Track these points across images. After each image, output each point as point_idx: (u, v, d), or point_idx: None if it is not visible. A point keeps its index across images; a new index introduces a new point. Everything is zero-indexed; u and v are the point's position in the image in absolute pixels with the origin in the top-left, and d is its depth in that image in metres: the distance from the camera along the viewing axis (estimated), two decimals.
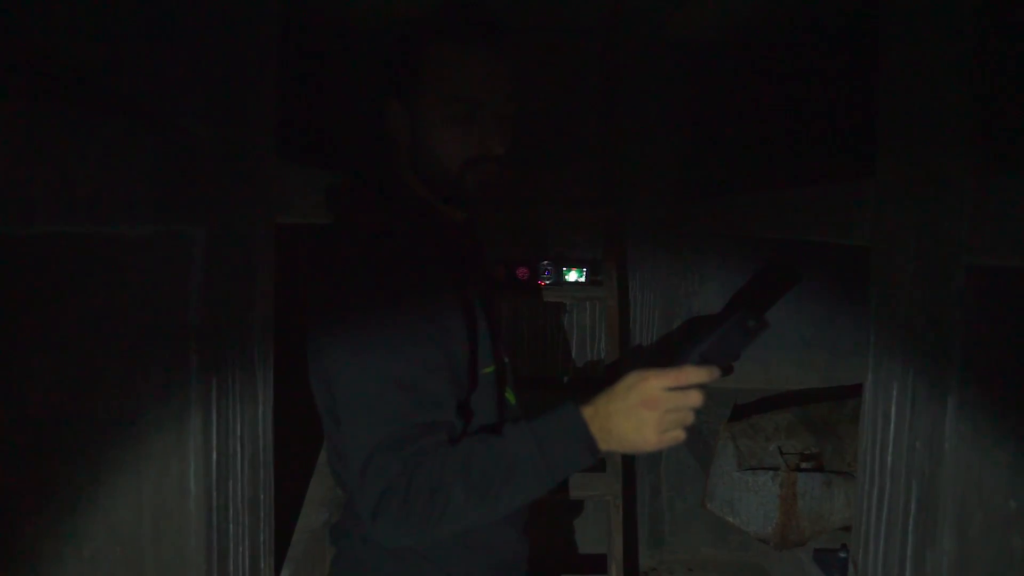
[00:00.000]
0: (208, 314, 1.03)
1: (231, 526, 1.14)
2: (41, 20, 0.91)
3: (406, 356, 0.98)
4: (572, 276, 2.64)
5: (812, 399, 2.16)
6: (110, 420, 1.00)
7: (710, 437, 1.91)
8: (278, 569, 1.45)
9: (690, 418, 0.97)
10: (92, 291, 0.97)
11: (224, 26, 1.07)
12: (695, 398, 0.96)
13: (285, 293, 1.32)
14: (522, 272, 2.59)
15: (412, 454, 0.95)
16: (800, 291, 2.63)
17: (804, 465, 1.68)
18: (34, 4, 0.89)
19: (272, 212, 1.26)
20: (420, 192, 1.16)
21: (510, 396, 1.22)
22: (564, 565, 2.82)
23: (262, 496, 1.27)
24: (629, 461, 2.82)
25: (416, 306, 1.00)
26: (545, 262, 2.60)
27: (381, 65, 1.14)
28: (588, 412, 0.98)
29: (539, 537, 2.87)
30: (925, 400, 0.98)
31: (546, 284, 2.59)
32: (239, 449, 1.16)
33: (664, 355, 2.72)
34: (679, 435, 0.97)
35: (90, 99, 0.94)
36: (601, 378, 2.70)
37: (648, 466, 2.86)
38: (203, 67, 1.01)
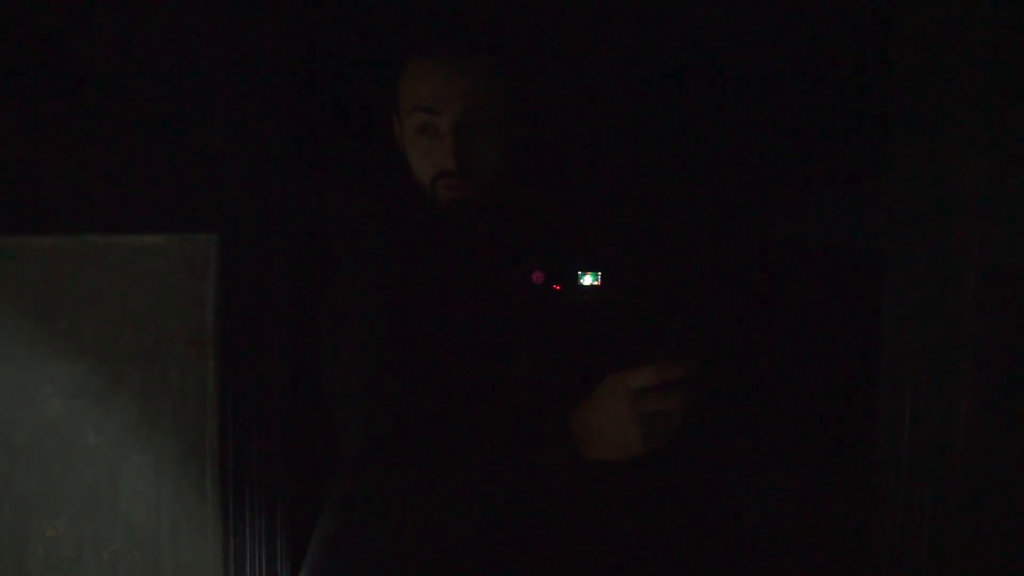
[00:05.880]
0: (224, 319, 1.05)
1: (248, 529, 1.16)
2: (59, 33, 0.93)
3: (398, 359, 0.99)
4: (587, 280, 2.64)
5: None
6: (128, 424, 1.02)
7: None
8: (295, 572, 1.47)
9: (677, 419, 0.94)
10: (109, 297, 0.99)
11: (240, 37, 1.08)
12: (674, 398, 0.93)
13: (302, 297, 1.33)
14: (537, 276, 2.60)
15: (400, 456, 0.97)
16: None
17: None
18: (53, 17, 0.91)
19: (287, 219, 1.27)
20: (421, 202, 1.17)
21: (512, 399, 1.22)
22: None
23: (279, 500, 1.28)
24: None
25: (413, 308, 1.01)
26: (560, 266, 2.60)
27: (381, 78, 1.16)
28: (570, 419, 0.98)
29: None
30: (939, 402, 0.98)
31: (561, 287, 2.59)
32: (256, 453, 1.17)
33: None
34: (667, 437, 0.95)
35: (107, 110, 0.96)
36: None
37: None
38: (219, 78, 1.02)
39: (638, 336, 2.71)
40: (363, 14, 2.18)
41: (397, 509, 0.96)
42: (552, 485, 0.99)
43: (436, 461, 0.97)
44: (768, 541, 1.99)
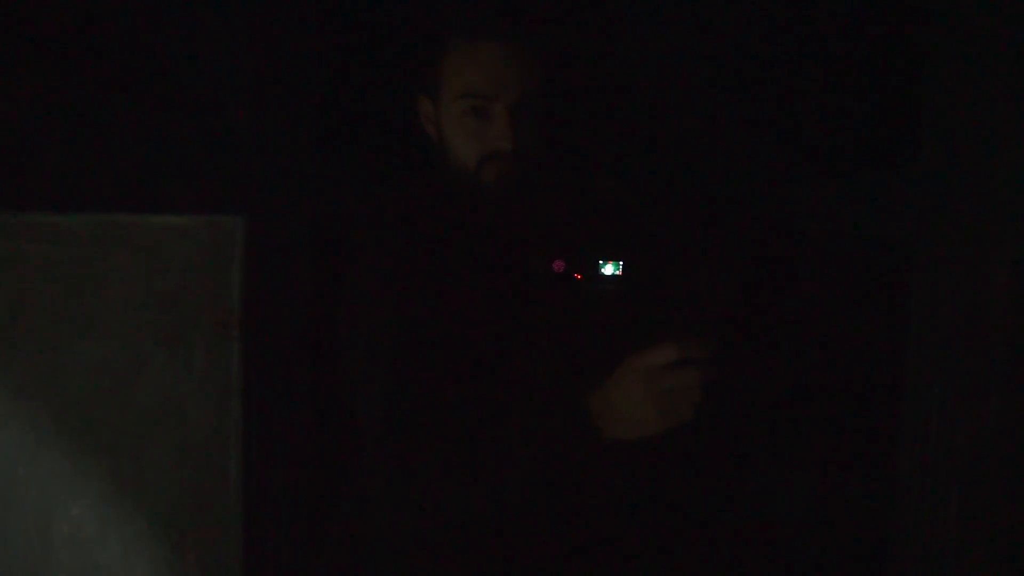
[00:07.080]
0: (249, 302, 1.05)
1: (270, 511, 1.16)
2: (87, 12, 0.93)
3: (417, 344, 1.00)
4: (609, 269, 2.63)
5: None
6: (153, 406, 1.02)
7: None
8: (317, 554, 1.48)
9: (695, 396, 0.94)
10: (136, 278, 0.99)
11: (268, 17, 1.08)
12: (691, 376, 0.94)
13: (326, 281, 1.33)
14: (558, 265, 2.58)
15: (418, 440, 0.97)
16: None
17: None
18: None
19: (313, 201, 1.27)
20: (451, 186, 1.17)
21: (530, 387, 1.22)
22: None
23: (300, 482, 1.29)
24: None
25: (432, 294, 1.02)
26: (581, 254, 2.59)
27: (409, 60, 1.15)
28: (590, 398, 0.99)
29: None
30: (968, 398, 0.96)
31: (582, 277, 2.58)
32: (279, 436, 1.18)
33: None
34: (685, 414, 0.96)
35: (135, 91, 0.96)
36: None
37: None
38: (245, 60, 1.02)
39: (660, 326, 2.68)
40: None
41: (416, 492, 0.97)
42: (571, 466, 1.00)
43: (454, 444, 0.97)
44: (788, 539, 1.98)
